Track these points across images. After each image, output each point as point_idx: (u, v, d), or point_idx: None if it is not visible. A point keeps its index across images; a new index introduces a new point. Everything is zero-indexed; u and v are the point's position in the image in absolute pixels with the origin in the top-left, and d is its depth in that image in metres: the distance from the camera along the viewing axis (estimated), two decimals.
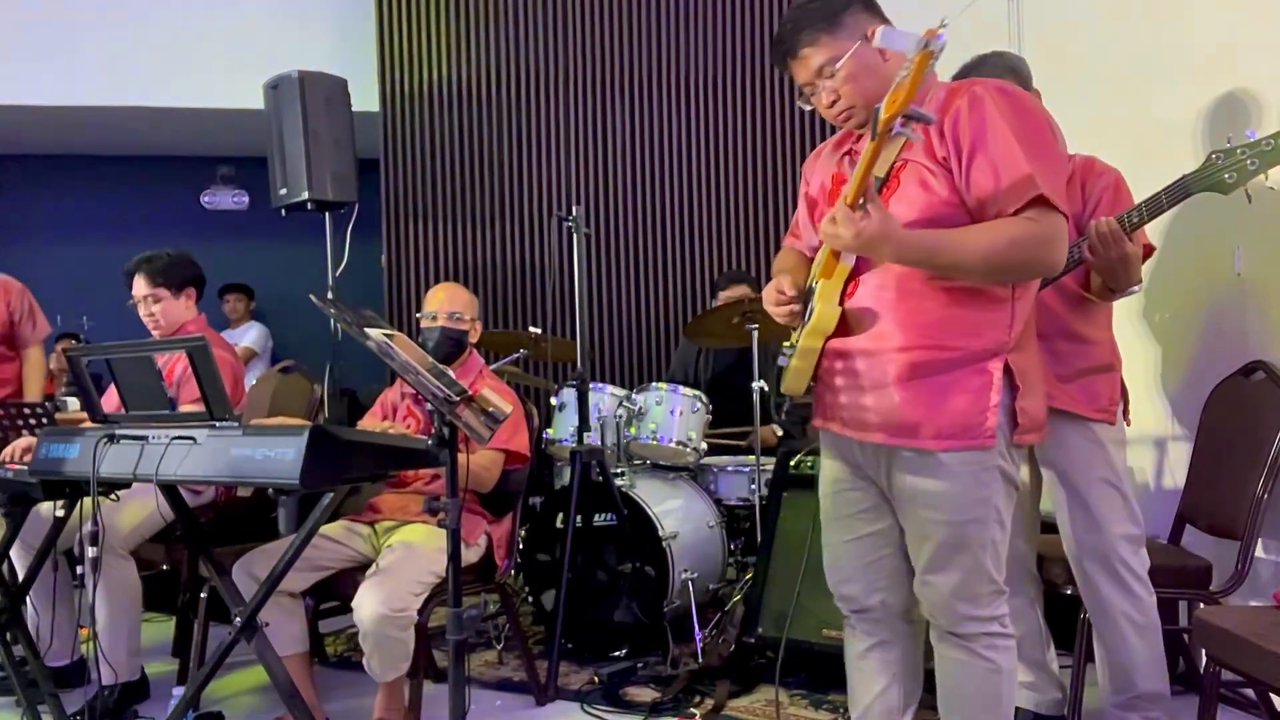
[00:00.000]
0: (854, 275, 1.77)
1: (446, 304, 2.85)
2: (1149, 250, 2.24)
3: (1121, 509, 2.22)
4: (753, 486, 3.61)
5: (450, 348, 2.80)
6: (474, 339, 2.91)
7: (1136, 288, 2.17)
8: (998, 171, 1.64)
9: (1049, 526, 2.40)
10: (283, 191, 4.42)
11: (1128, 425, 2.34)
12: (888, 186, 1.73)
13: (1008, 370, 1.72)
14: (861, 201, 1.60)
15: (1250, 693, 2.47)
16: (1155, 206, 2.08)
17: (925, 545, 1.78)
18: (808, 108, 1.87)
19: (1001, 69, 2.24)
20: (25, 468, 2.31)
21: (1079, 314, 2.25)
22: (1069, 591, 2.36)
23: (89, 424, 2.32)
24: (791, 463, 3.11)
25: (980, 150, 1.65)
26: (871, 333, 1.74)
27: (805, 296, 1.84)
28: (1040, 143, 1.67)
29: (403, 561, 2.46)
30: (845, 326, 1.77)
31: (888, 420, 1.75)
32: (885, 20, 1.79)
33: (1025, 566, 2.39)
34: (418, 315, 2.95)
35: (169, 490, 2.34)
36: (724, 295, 4.23)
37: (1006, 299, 1.72)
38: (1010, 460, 1.76)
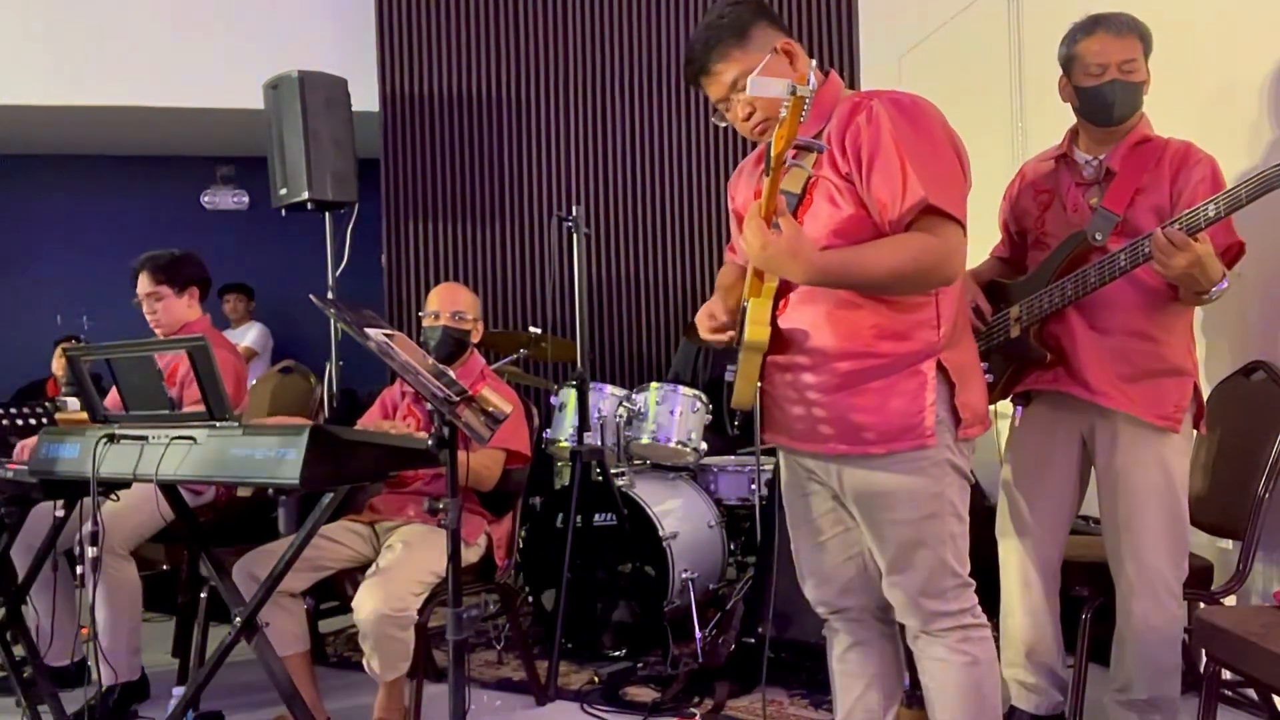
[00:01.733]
0: (783, 293, 1.82)
1: (449, 303, 2.84)
2: (1239, 247, 2.10)
3: (1170, 522, 2.14)
4: (753, 486, 3.61)
5: (452, 347, 2.80)
6: (476, 339, 2.91)
7: (1224, 283, 2.00)
8: (891, 184, 1.68)
9: (1075, 529, 2.38)
10: (283, 191, 4.42)
11: (1200, 434, 2.24)
12: (803, 204, 1.79)
13: (942, 369, 1.75)
14: (775, 221, 1.64)
15: (1250, 693, 2.47)
16: (1234, 202, 1.89)
17: (886, 547, 1.81)
18: (722, 124, 1.94)
19: (1122, 26, 2.15)
20: (25, 468, 2.31)
21: (1152, 312, 2.13)
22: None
23: (89, 424, 2.32)
24: None
25: (876, 163, 1.70)
26: (806, 346, 1.79)
27: (740, 316, 1.87)
28: (932, 154, 1.70)
29: (402, 561, 2.46)
30: (781, 342, 1.82)
31: (832, 430, 1.79)
32: (788, 34, 1.87)
33: (1053, 572, 2.34)
34: (420, 314, 2.95)
35: (169, 490, 2.34)
36: None
37: (930, 301, 1.76)
38: (960, 454, 1.79)
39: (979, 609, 1.83)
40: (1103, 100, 2.16)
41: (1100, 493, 2.25)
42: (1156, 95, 2.24)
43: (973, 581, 1.82)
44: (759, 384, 1.87)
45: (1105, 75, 2.14)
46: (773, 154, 1.56)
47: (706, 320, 1.92)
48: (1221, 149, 2.18)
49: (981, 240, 2.58)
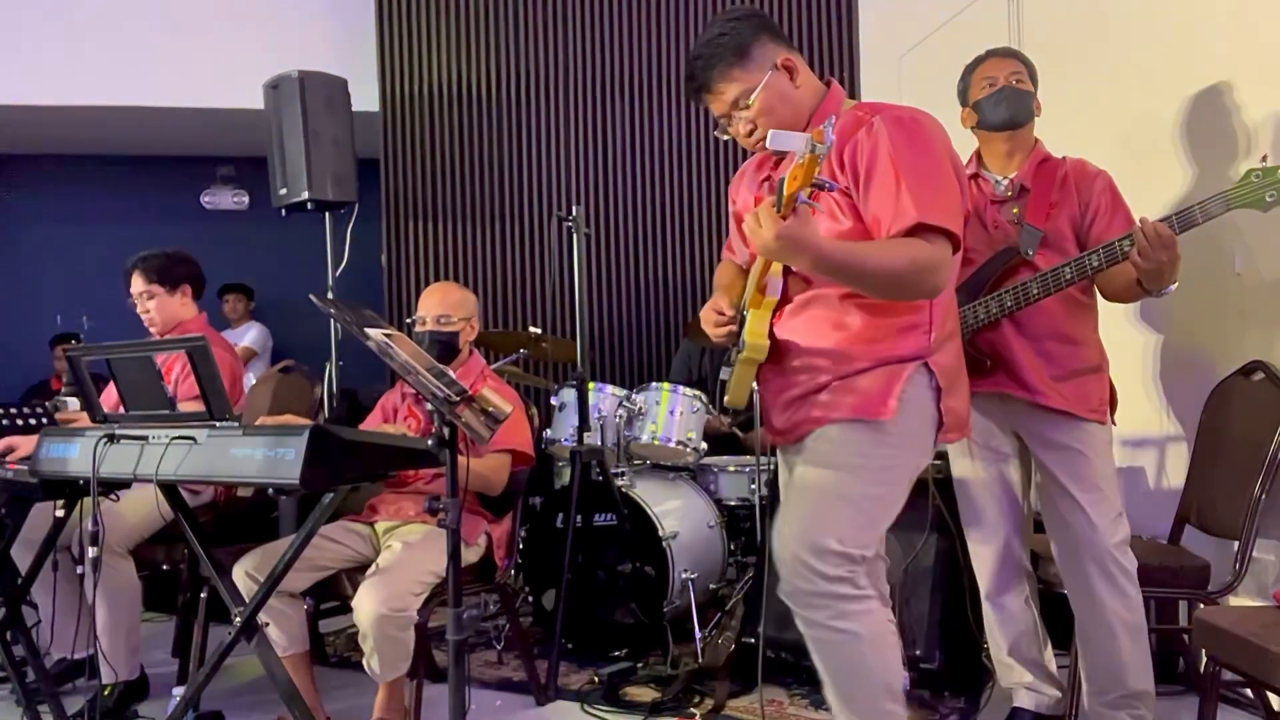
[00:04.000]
0: (780, 306, 1.88)
1: (434, 307, 2.84)
2: None
3: (1111, 508, 2.23)
4: (753, 486, 3.61)
5: (439, 351, 2.79)
6: (470, 338, 2.89)
7: (1171, 287, 2.13)
8: (887, 201, 1.72)
9: (1042, 525, 2.41)
10: (283, 191, 4.42)
11: (1113, 426, 2.36)
12: None
13: (931, 372, 1.80)
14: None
15: (1250, 693, 2.47)
16: (1188, 220, 2.04)
17: (790, 491, 1.83)
18: (724, 137, 1.97)
19: (1007, 52, 2.38)
20: (25, 468, 2.31)
21: (1070, 317, 2.28)
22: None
23: (89, 424, 2.32)
24: None
25: (873, 180, 1.74)
26: (800, 353, 1.84)
27: (739, 321, 1.92)
28: (928, 172, 1.73)
29: (402, 561, 2.46)
30: (778, 352, 1.87)
31: (809, 415, 1.83)
32: (791, 47, 1.90)
33: (1020, 565, 2.41)
34: (408, 320, 2.94)
35: (169, 490, 2.34)
36: None
37: (924, 305, 1.81)
38: (915, 448, 1.81)
39: (865, 586, 1.75)
40: (997, 104, 2.33)
41: (1042, 493, 2.33)
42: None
43: (861, 565, 1.75)
44: (754, 386, 1.92)
45: (997, 85, 2.34)
46: (784, 193, 1.58)
47: (713, 316, 1.95)
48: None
49: None
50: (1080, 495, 2.23)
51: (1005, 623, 2.42)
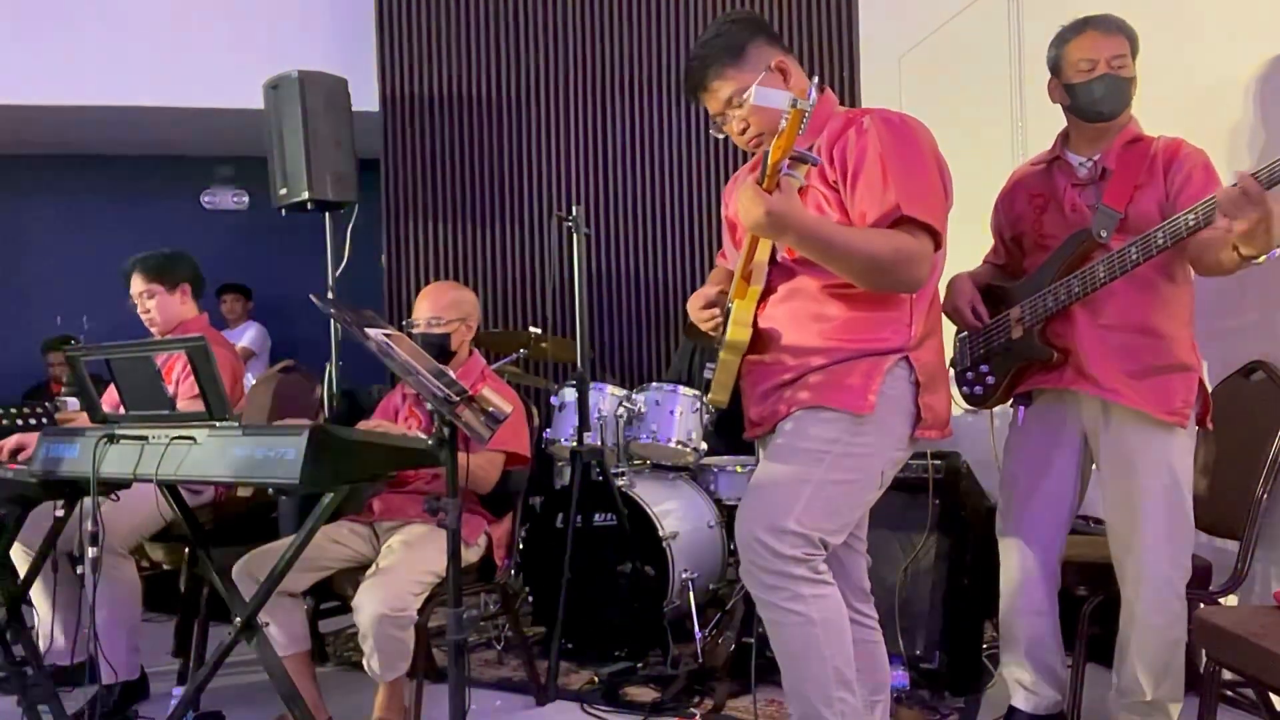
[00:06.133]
0: (764, 297, 1.91)
1: (425, 310, 2.85)
2: None
3: (1174, 520, 2.12)
4: None
5: (433, 353, 2.78)
6: (466, 337, 2.88)
7: (1276, 251, 1.89)
8: (873, 194, 1.77)
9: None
10: (283, 191, 4.42)
11: (1208, 431, 2.22)
12: None
13: (911, 366, 1.83)
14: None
15: (1250, 693, 2.47)
16: (1276, 174, 1.78)
17: (755, 477, 1.87)
18: (720, 135, 2.01)
19: (1111, 25, 2.20)
20: (25, 468, 2.31)
21: (1154, 306, 2.13)
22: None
23: (89, 424, 2.32)
24: None
25: (860, 175, 1.79)
26: (782, 343, 1.88)
27: (724, 315, 1.96)
28: (913, 170, 1.78)
29: (402, 561, 2.46)
30: (760, 343, 1.91)
31: (783, 402, 1.87)
32: (787, 51, 1.94)
33: (1054, 568, 2.35)
34: (406, 321, 2.94)
35: (169, 490, 2.34)
36: None
37: (905, 300, 1.85)
38: (890, 443, 1.83)
39: (823, 572, 1.79)
40: (1094, 94, 2.18)
41: (1104, 492, 2.23)
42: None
43: (820, 550, 1.79)
44: (737, 380, 1.95)
45: (1096, 70, 2.18)
46: (769, 162, 1.62)
47: (699, 300, 2.01)
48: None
49: (985, 242, 2.59)
50: (1141, 502, 2.12)
51: (1029, 626, 2.35)
